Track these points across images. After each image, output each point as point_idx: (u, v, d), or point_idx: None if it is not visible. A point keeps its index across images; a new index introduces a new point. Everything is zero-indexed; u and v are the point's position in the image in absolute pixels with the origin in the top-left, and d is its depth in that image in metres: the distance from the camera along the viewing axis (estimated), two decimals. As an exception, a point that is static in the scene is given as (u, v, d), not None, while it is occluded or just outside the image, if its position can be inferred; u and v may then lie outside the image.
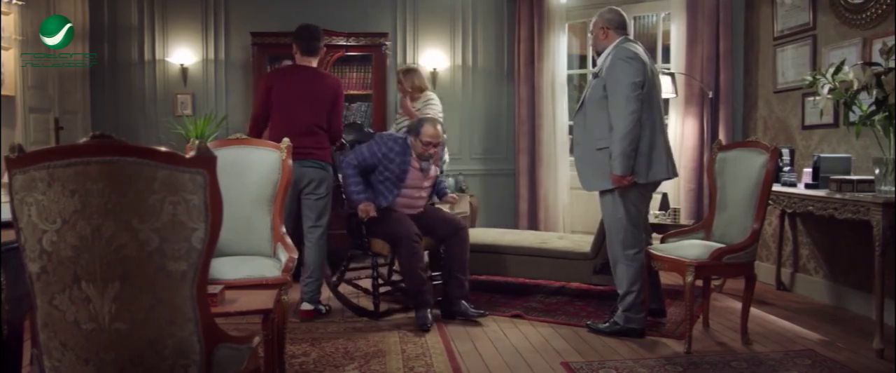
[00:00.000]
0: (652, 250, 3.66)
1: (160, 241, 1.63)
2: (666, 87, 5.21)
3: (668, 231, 4.07)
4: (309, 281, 4.01)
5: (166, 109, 6.21)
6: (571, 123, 5.72)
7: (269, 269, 2.90)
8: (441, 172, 4.45)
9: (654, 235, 4.28)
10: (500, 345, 3.55)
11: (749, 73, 5.37)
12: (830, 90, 3.56)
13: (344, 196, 4.27)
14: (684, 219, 5.11)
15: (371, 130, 4.91)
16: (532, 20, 6.16)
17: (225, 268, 2.82)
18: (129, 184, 1.60)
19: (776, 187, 3.99)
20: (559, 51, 6.11)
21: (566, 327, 3.86)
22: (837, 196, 3.56)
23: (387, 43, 6.06)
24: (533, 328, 3.85)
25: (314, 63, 4.10)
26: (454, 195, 4.49)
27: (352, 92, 6.08)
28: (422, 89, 5.17)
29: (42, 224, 1.62)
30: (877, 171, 3.42)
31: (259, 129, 4.04)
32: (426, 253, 4.12)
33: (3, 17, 4.49)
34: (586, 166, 3.72)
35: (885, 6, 3.91)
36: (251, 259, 2.99)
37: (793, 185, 4.15)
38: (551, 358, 3.33)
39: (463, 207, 4.64)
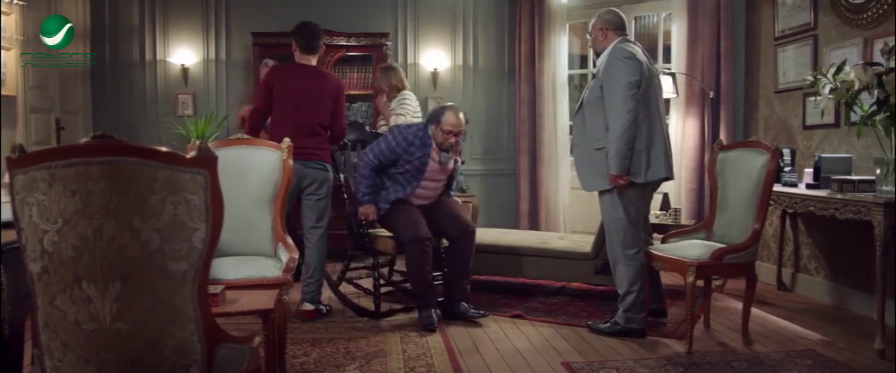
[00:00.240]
0: (653, 250, 3.66)
1: (161, 241, 1.64)
2: (667, 88, 5.21)
3: (669, 231, 4.07)
4: (310, 281, 4.01)
5: (167, 109, 6.21)
6: (572, 123, 5.72)
7: (269, 269, 2.90)
8: (462, 162, 4.30)
9: (655, 235, 4.28)
10: (500, 345, 3.55)
11: (750, 73, 5.37)
12: (831, 90, 3.56)
13: (345, 197, 4.27)
14: (685, 219, 5.11)
15: (374, 130, 4.89)
16: (533, 20, 6.16)
17: (226, 268, 2.82)
18: (131, 184, 1.60)
19: (777, 187, 3.99)
20: (560, 51, 6.11)
21: (567, 327, 3.86)
22: (838, 196, 3.56)
23: (388, 43, 6.07)
24: (534, 328, 3.85)
25: (314, 61, 4.08)
26: (456, 200, 4.42)
27: (353, 92, 6.09)
28: (398, 88, 5.11)
29: (43, 224, 1.62)
30: (878, 171, 3.42)
31: (258, 123, 4.00)
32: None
33: (4, 17, 4.50)
34: (585, 167, 3.73)
35: (886, 6, 3.91)
36: (252, 259, 2.99)
37: (794, 185, 4.15)
38: (552, 358, 3.33)
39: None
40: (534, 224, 6.18)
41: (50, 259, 1.63)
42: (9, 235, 1.95)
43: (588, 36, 3.85)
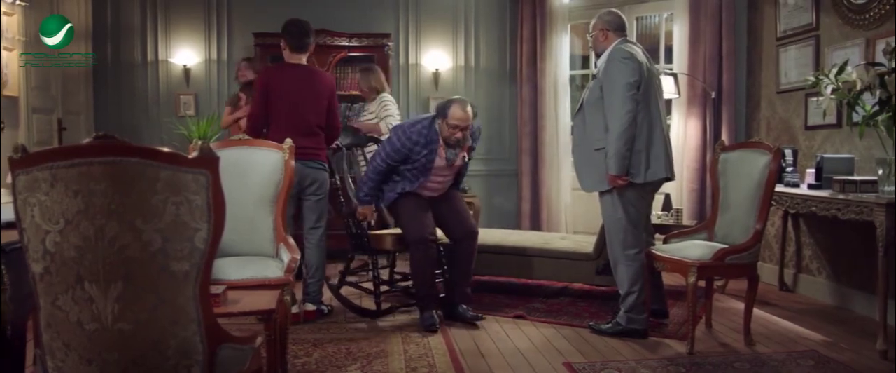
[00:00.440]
0: (654, 251, 3.65)
1: (163, 241, 1.64)
2: (669, 88, 5.21)
3: (671, 232, 4.06)
4: (311, 281, 4.01)
5: (169, 109, 6.22)
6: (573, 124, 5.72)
7: (271, 269, 2.91)
8: (469, 158, 4.19)
9: (657, 235, 4.28)
10: (502, 345, 3.55)
11: (752, 74, 5.36)
12: (834, 91, 3.56)
13: (342, 199, 4.26)
14: (687, 219, 5.11)
15: (372, 134, 4.88)
16: (534, 21, 6.16)
17: (228, 268, 2.83)
18: (132, 184, 1.60)
19: (779, 188, 3.98)
20: (562, 51, 6.11)
21: (568, 327, 3.86)
22: (840, 197, 3.56)
23: (389, 44, 6.07)
24: (535, 329, 3.85)
25: (304, 60, 4.02)
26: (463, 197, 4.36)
27: (354, 93, 6.08)
28: (378, 90, 5.08)
29: (45, 225, 1.62)
30: (880, 171, 3.41)
31: (257, 129, 3.96)
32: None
33: (6, 17, 4.50)
34: (585, 167, 3.73)
35: (888, 6, 3.90)
36: (254, 260, 3.00)
37: (796, 185, 4.14)
38: (554, 358, 3.33)
39: None
40: (535, 225, 6.18)
41: (52, 259, 1.63)
42: (11, 236, 1.96)
43: (588, 37, 3.85)
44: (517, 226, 6.21)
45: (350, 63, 6.10)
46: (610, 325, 3.70)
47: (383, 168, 3.91)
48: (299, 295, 4.00)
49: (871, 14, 4.03)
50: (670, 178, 3.70)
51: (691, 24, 5.38)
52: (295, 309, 3.76)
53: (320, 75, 4.11)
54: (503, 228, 5.57)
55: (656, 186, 3.72)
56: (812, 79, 3.79)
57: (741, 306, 3.87)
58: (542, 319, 4.03)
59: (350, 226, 4.19)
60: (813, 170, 4.06)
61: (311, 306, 4.01)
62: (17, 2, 4.54)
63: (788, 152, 4.34)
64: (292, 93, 3.90)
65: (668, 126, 5.32)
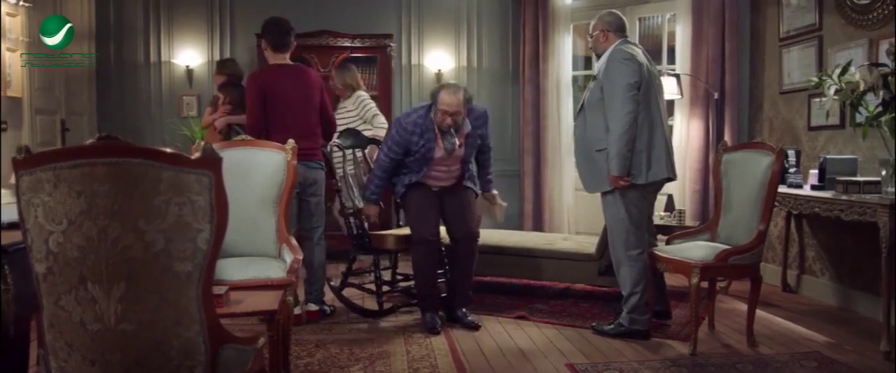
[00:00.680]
0: (657, 252, 3.65)
1: (166, 242, 1.64)
2: (671, 89, 5.20)
3: (674, 232, 4.06)
4: (313, 281, 4.02)
5: (172, 110, 6.23)
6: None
7: (274, 270, 2.91)
8: (488, 146, 4.07)
9: (660, 236, 4.27)
10: (504, 346, 3.55)
11: (755, 75, 5.35)
12: (837, 91, 3.55)
13: (343, 200, 4.25)
14: (690, 220, 5.10)
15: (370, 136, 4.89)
16: (537, 21, 6.15)
17: (230, 269, 2.83)
18: (135, 185, 1.61)
19: (782, 189, 3.98)
20: (564, 52, 6.10)
21: (571, 328, 3.86)
22: (844, 198, 3.55)
23: (392, 44, 6.07)
24: (537, 330, 3.85)
25: (288, 59, 3.98)
26: (495, 196, 4.16)
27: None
28: (353, 88, 5.06)
29: (48, 225, 1.62)
30: (883, 172, 3.41)
31: (259, 136, 3.91)
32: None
33: (10, 18, 4.51)
34: (586, 168, 3.73)
35: (891, 7, 3.90)
36: (256, 260, 3.00)
37: (799, 186, 4.14)
38: (556, 359, 3.33)
39: (496, 213, 4.34)
40: (538, 225, 6.17)
41: (55, 260, 1.64)
42: (15, 236, 1.96)
43: (589, 38, 3.85)
44: (519, 226, 6.20)
45: (353, 64, 6.10)
46: (612, 326, 3.69)
47: (387, 164, 3.88)
48: (302, 296, 4.00)
49: (875, 14, 4.02)
50: (672, 178, 3.69)
51: (694, 25, 5.37)
52: (297, 310, 3.76)
53: (309, 73, 4.08)
54: (505, 229, 5.56)
55: (658, 186, 3.71)
56: (815, 79, 3.78)
57: (744, 307, 3.86)
58: (545, 319, 4.03)
59: (351, 226, 4.20)
60: (816, 171, 4.05)
61: (313, 307, 4.01)
62: (21, 3, 4.55)
63: (791, 153, 4.33)
64: (288, 94, 3.86)
65: (671, 127, 5.32)
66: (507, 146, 6.54)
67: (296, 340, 3.47)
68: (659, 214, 4.89)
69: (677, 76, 5.30)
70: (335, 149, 4.39)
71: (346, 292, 4.37)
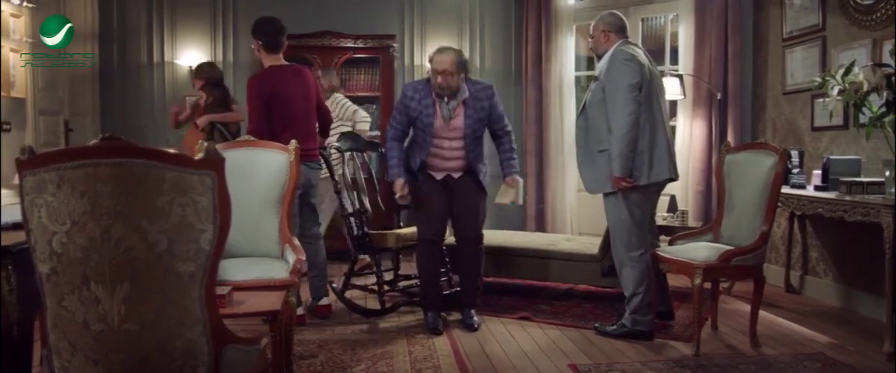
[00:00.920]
0: (660, 253, 3.65)
1: (169, 242, 1.64)
2: (674, 89, 5.20)
3: (677, 233, 4.05)
4: (316, 277, 4.04)
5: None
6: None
7: (277, 270, 2.91)
8: (502, 122, 3.92)
9: (663, 237, 4.27)
10: (507, 347, 3.55)
11: (758, 75, 5.35)
12: (840, 92, 3.54)
13: (344, 202, 4.27)
14: (692, 221, 5.09)
15: (371, 139, 4.90)
16: (540, 22, 6.15)
17: (233, 269, 2.83)
18: (139, 185, 1.61)
19: (785, 189, 3.96)
20: (567, 52, 6.10)
21: (574, 329, 3.85)
22: (847, 198, 3.54)
23: (394, 45, 6.07)
24: (541, 330, 3.85)
25: (282, 59, 3.95)
26: (518, 182, 3.95)
27: (359, 94, 6.10)
28: (334, 89, 5.14)
29: (52, 225, 1.63)
30: (887, 173, 3.40)
31: (262, 138, 3.93)
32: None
33: (14, 19, 4.52)
34: (588, 169, 3.72)
35: (895, 7, 3.89)
36: (259, 261, 3.00)
37: (802, 187, 4.13)
38: (559, 360, 3.33)
39: (513, 197, 4.01)
40: (540, 226, 6.17)
41: (58, 260, 1.64)
42: (18, 236, 1.96)
43: (589, 38, 3.85)
44: (522, 227, 6.20)
45: (355, 64, 6.11)
46: (615, 326, 3.69)
47: (392, 134, 3.83)
48: (305, 296, 4.02)
49: (879, 15, 4.01)
50: (674, 178, 3.69)
51: (697, 26, 5.36)
52: (300, 311, 3.76)
53: (306, 73, 4.08)
54: (508, 230, 5.56)
55: (660, 186, 3.71)
56: (818, 80, 3.77)
57: (747, 307, 3.86)
58: (548, 320, 4.03)
59: (352, 227, 4.21)
60: (819, 171, 4.04)
61: (325, 301, 4.07)
62: (24, 3, 4.56)
63: (795, 154, 4.33)
64: (291, 96, 3.85)
65: (673, 127, 5.31)
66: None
67: (298, 340, 3.47)
68: (662, 215, 4.89)
69: (680, 77, 5.29)
70: (334, 151, 4.44)
71: (348, 293, 4.38)
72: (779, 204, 3.73)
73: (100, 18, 5.98)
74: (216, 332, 1.75)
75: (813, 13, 4.63)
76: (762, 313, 3.77)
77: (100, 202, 1.59)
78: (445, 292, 4.10)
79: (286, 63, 3.98)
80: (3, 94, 4.32)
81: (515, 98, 6.50)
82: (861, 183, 3.54)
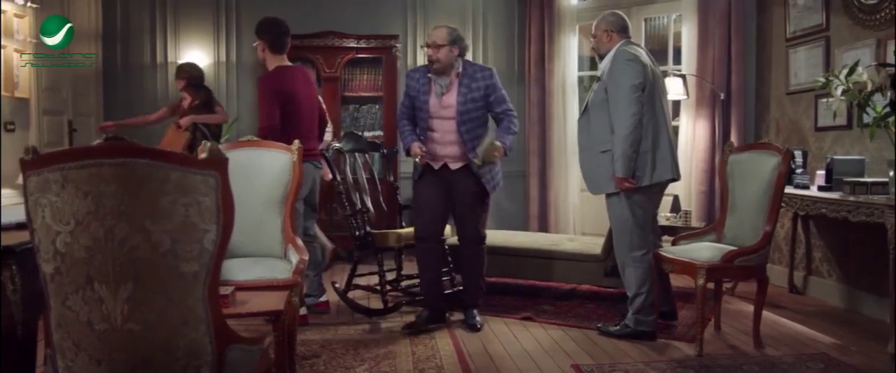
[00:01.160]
0: (663, 253, 3.64)
1: (172, 242, 1.64)
2: (677, 89, 5.19)
3: (680, 233, 4.05)
4: (311, 275, 4.07)
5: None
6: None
7: (280, 270, 2.91)
8: (503, 107, 3.85)
9: (666, 237, 4.26)
10: (510, 347, 3.55)
11: (761, 75, 5.34)
12: (844, 92, 3.54)
13: (346, 202, 4.29)
14: (696, 221, 5.09)
15: (369, 140, 4.91)
16: (542, 22, 6.15)
17: (236, 269, 2.84)
18: (142, 186, 1.61)
19: (789, 189, 3.96)
20: (570, 52, 6.10)
21: (577, 329, 3.85)
22: (851, 199, 3.54)
23: (397, 45, 6.08)
24: (543, 330, 3.85)
25: (287, 60, 3.96)
26: (499, 147, 3.71)
27: (362, 94, 6.11)
28: None
29: (56, 225, 1.63)
30: (891, 173, 3.39)
31: (274, 139, 3.92)
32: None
33: (18, 20, 4.53)
34: (591, 170, 3.72)
35: (899, 7, 3.88)
36: (262, 261, 3.01)
37: (805, 187, 4.12)
38: (561, 360, 3.32)
39: (488, 156, 3.74)
40: (543, 226, 6.17)
41: (62, 260, 1.65)
42: (23, 236, 1.97)
43: (592, 38, 3.85)
44: (525, 227, 6.20)
45: (358, 64, 6.12)
46: (618, 327, 3.69)
47: (401, 113, 3.91)
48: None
49: (883, 15, 4.00)
50: (676, 179, 3.69)
51: (700, 26, 5.36)
52: (303, 311, 3.77)
53: (309, 74, 4.16)
54: (511, 230, 5.57)
55: (663, 187, 3.71)
56: (822, 80, 3.77)
57: (750, 308, 3.85)
58: (550, 320, 4.03)
59: (353, 227, 4.22)
60: (823, 171, 4.03)
61: (324, 298, 4.11)
62: (28, 4, 4.57)
63: (798, 154, 4.32)
64: (301, 96, 3.89)
65: (676, 128, 5.30)
66: (512, 147, 6.53)
67: (301, 340, 3.48)
68: (665, 215, 4.88)
69: (683, 77, 5.29)
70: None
71: (351, 293, 4.38)
72: (782, 204, 3.72)
73: (103, 19, 5.99)
74: (219, 332, 1.76)
75: (816, 13, 4.62)
76: (765, 314, 3.76)
77: (103, 202, 1.60)
78: (447, 292, 4.11)
79: (291, 64, 4.00)
80: (7, 94, 4.33)
81: (518, 98, 6.49)
82: (865, 183, 3.53)
